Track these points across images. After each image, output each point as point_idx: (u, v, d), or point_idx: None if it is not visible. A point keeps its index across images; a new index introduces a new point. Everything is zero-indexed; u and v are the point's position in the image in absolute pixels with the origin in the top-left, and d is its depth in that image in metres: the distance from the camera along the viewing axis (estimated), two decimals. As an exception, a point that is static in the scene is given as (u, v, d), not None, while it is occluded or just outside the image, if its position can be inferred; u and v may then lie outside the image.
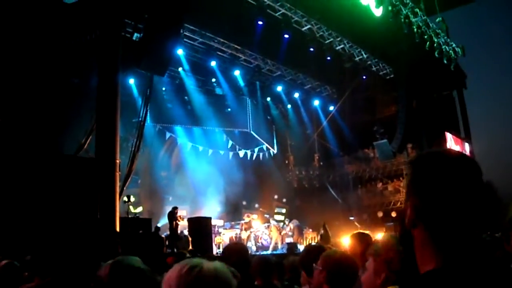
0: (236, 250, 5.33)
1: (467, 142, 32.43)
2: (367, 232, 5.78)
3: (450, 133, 30.72)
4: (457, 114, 33.16)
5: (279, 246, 23.11)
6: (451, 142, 30.30)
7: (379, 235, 19.76)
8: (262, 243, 23.51)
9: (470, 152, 32.41)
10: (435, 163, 1.62)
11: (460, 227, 1.53)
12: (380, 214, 31.21)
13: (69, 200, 13.91)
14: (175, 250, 16.95)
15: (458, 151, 1.69)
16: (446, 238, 1.53)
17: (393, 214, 30.40)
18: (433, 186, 1.56)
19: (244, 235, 23.17)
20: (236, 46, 26.82)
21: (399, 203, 31.09)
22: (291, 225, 25.21)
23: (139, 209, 23.67)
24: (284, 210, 30.70)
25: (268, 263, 5.13)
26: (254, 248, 22.51)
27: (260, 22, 23.58)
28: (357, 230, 22.34)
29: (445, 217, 1.53)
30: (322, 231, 23.90)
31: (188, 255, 7.78)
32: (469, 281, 1.42)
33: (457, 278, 1.43)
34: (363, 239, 5.11)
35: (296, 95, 33.37)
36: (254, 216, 26.20)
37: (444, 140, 29.65)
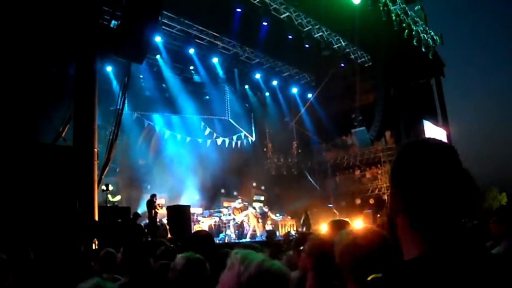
0: (202, 237, 5.32)
1: (444, 129, 32.68)
2: (346, 219, 5.77)
3: (428, 120, 30.93)
4: (435, 102, 33.38)
5: (258, 233, 23.17)
6: (429, 129, 30.51)
7: (357, 222, 19.91)
8: (241, 231, 23.52)
9: (447, 139, 32.69)
10: (414, 152, 1.66)
11: (442, 214, 1.55)
12: (358, 201, 31.43)
13: (47, 189, 13.80)
14: (154, 238, 16.91)
15: (438, 140, 1.71)
16: (428, 225, 1.54)
17: (371, 201, 30.64)
18: (413, 175, 1.59)
19: (238, 218, 23.21)
20: (214, 33, 26.74)
21: (377, 190, 31.34)
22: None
23: (118, 197, 23.58)
24: (262, 198, 30.78)
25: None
26: (233, 236, 22.53)
27: (238, 10, 23.53)
28: (335, 217, 22.56)
29: (426, 205, 1.55)
30: (303, 218, 24.01)
31: (168, 243, 7.73)
32: (454, 266, 1.44)
33: (442, 264, 1.45)
34: (340, 227, 5.12)
35: (275, 82, 33.36)
36: (233, 204, 26.23)
37: (421, 127, 29.85)
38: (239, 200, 24.39)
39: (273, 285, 1.90)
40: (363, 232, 2.90)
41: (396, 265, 1.56)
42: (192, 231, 20.66)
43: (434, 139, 1.71)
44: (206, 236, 5.40)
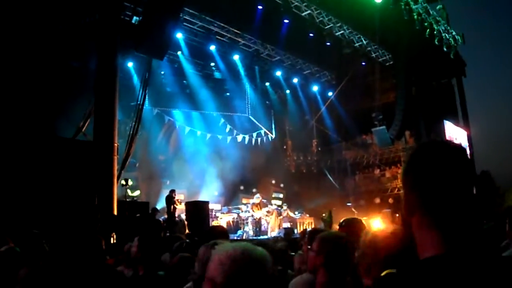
0: (218, 232, 5.36)
1: (465, 129, 32.44)
2: (361, 218, 5.79)
3: (449, 120, 30.72)
4: (456, 102, 33.10)
5: (276, 230, 23.15)
6: (450, 130, 30.31)
7: (376, 221, 19.85)
8: (259, 228, 23.52)
9: (468, 139, 32.46)
10: (430, 153, 1.68)
11: (458, 215, 1.58)
12: (377, 200, 31.29)
13: (67, 184, 13.94)
14: (172, 233, 17.00)
15: (451, 141, 1.75)
16: (445, 226, 1.57)
17: (390, 201, 30.50)
18: (431, 175, 1.62)
19: (257, 215, 23.21)
20: (235, 30, 26.71)
21: (396, 190, 31.17)
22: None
23: (137, 192, 23.73)
24: (281, 195, 30.78)
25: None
26: (251, 233, 22.54)
27: (260, 7, 23.52)
28: (352, 216, 22.48)
29: (444, 205, 1.58)
30: (325, 216, 23.93)
31: (185, 239, 7.79)
32: (471, 266, 1.46)
33: (456, 265, 1.47)
34: (354, 225, 5.14)
35: (295, 80, 33.30)
36: (251, 200, 26.28)
37: (442, 127, 29.66)
38: (258, 195, 24.38)
39: (255, 269, 1.94)
40: (388, 230, 2.91)
41: (411, 263, 1.58)
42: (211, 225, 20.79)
43: (447, 141, 1.75)
44: (222, 232, 5.45)
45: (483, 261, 1.49)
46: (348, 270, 3.61)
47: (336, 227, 20.85)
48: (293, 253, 6.40)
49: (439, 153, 1.66)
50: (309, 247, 3.81)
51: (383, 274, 1.80)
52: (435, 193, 1.60)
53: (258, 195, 24.36)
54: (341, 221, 5.25)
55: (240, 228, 22.88)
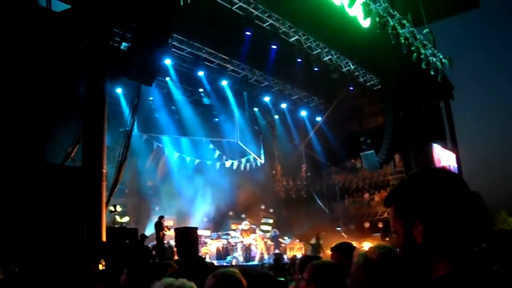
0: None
1: (453, 152, 32.59)
2: (350, 242, 5.80)
3: (437, 143, 30.85)
4: (444, 125, 33.28)
5: (266, 256, 23.06)
6: (438, 153, 30.44)
7: (365, 245, 19.79)
8: (249, 254, 23.44)
9: (457, 162, 32.59)
10: (430, 185, 1.79)
11: (463, 239, 1.72)
12: (367, 224, 31.27)
13: (55, 210, 13.84)
14: (161, 260, 16.88)
15: (443, 168, 1.85)
16: (456, 250, 1.71)
17: (380, 225, 30.49)
18: (433, 209, 1.74)
19: (246, 241, 23.17)
20: (224, 56, 26.81)
21: (386, 214, 31.14)
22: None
23: (126, 218, 23.59)
24: (271, 221, 30.69)
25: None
26: (241, 259, 22.45)
27: (248, 33, 23.60)
28: (341, 241, 22.43)
29: (451, 235, 1.72)
30: (313, 241, 23.89)
31: (174, 265, 7.72)
32: (481, 280, 1.61)
33: (471, 278, 1.62)
34: (345, 250, 5.16)
35: (284, 105, 33.39)
36: (240, 226, 26.22)
37: (431, 150, 29.79)
38: (246, 222, 24.34)
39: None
40: (374, 250, 2.90)
41: (425, 282, 1.73)
42: (200, 253, 20.71)
43: (443, 168, 1.83)
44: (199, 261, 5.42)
45: (488, 276, 1.64)
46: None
47: (326, 252, 20.88)
48: (282, 279, 6.35)
49: (440, 183, 1.78)
50: (300, 276, 3.80)
51: None
52: (439, 226, 1.73)
53: (246, 221, 24.40)
54: (334, 245, 5.28)
55: (229, 254, 22.76)
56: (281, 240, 25.48)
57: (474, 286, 1.58)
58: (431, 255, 1.75)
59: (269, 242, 24.43)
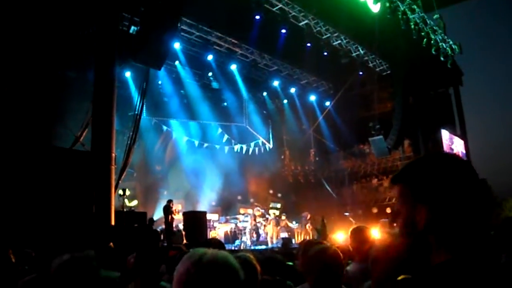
0: (214, 244, 5.35)
1: (462, 139, 32.46)
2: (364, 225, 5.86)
3: (446, 129, 30.72)
4: (453, 111, 33.11)
5: (274, 240, 23.12)
6: (447, 139, 30.32)
7: (373, 231, 19.83)
8: (257, 238, 23.50)
9: (465, 148, 32.47)
10: (438, 169, 1.75)
11: (468, 227, 1.68)
12: (375, 210, 31.24)
13: (64, 194, 13.90)
14: (170, 244, 16.96)
15: (454, 154, 1.80)
16: (458, 238, 1.67)
17: (388, 210, 30.44)
18: (441, 194, 1.69)
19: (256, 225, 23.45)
20: (233, 40, 26.75)
21: (394, 199, 31.12)
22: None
23: (134, 202, 23.67)
24: (279, 205, 30.74)
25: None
26: (249, 243, 22.51)
27: (257, 17, 23.53)
28: (351, 226, 22.46)
29: (455, 222, 1.67)
30: (319, 226, 23.94)
31: (184, 249, 7.77)
32: (480, 269, 1.58)
33: (468, 266, 1.59)
34: (360, 233, 5.23)
35: (293, 90, 33.35)
36: (249, 210, 26.25)
37: (439, 136, 29.67)
38: (258, 208, 24.45)
39: (220, 271, 1.93)
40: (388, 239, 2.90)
41: (424, 269, 1.70)
42: (208, 237, 20.74)
43: (451, 154, 1.83)
44: (218, 244, 5.44)
45: (488, 264, 1.61)
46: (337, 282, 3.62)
47: (332, 236, 20.91)
48: (291, 263, 6.37)
49: (441, 171, 1.73)
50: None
51: (399, 278, 1.86)
52: (444, 212, 1.68)
53: (258, 207, 24.42)
54: (351, 228, 5.37)
55: (238, 238, 22.84)
56: (289, 224, 25.50)
57: (471, 276, 1.56)
58: (431, 242, 1.72)
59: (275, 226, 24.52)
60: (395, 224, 23.18)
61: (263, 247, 21.69)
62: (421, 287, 1.64)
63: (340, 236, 22.55)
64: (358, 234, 5.28)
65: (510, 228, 5.04)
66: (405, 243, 1.88)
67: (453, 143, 30.83)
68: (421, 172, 1.78)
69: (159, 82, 26.65)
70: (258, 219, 23.88)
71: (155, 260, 5.00)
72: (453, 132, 31.95)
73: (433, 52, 25.80)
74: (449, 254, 1.65)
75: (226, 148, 30.37)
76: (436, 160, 1.80)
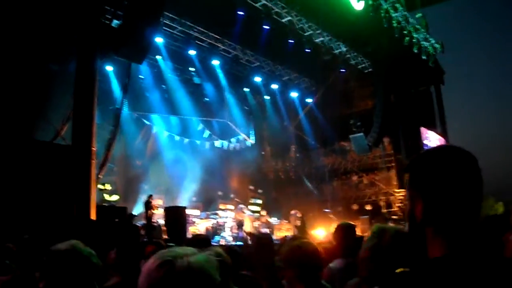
0: (200, 241, 5.34)
1: (443, 137, 32.68)
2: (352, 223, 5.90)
3: (427, 128, 30.92)
4: (434, 110, 33.34)
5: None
6: (427, 137, 30.51)
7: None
8: (237, 234, 23.52)
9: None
10: (435, 162, 1.75)
11: (465, 219, 1.69)
12: (355, 207, 31.38)
13: (44, 188, 13.81)
14: (150, 239, 16.91)
15: (458, 147, 1.79)
16: (452, 231, 1.67)
17: (368, 207, 30.63)
18: (442, 184, 1.70)
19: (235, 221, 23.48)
20: (215, 35, 26.69)
21: (373, 197, 31.37)
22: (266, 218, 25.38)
23: (115, 197, 23.55)
24: (259, 201, 30.74)
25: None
26: (229, 239, 22.51)
27: (240, 13, 23.49)
28: (332, 222, 22.56)
29: (452, 213, 1.68)
30: (298, 223, 23.98)
31: (164, 244, 7.74)
32: (475, 265, 1.58)
33: (464, 262, 1.59)
34: (349, 230, 5.27)
35: (274, 86, 33.33)
36: (230, 206, 26.25)
37: (420, 134, 29.85)
38: (241, 206, 24.47)
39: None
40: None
41: (422, 262, 1.71)
42: (188, 233, 20.72)
43: (455, 147, 1.80)
44: (204, 240, 5.43)
45: (483, 262, 1.60)
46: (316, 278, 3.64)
47: (309, 232, 21.00)
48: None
49: (449, 160, 1.73)
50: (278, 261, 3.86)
51: (397, 271, 1.87)
52: (448, 202, 1.68)
53: (241, 205, 24.49)
54: (336, 224, 5.40)
55: (218, 234, 22.81)
56: (270, 220, 25.56)
57: (468, 272, 1.56)
58: (429, 234, 1.72)
59: (257, 222, 24.52)
60: (374, 221, 23.40)
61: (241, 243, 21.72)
62: (419, 281, 1.63)
63: (320, 233, 22.69)
64: (344, 231, 5.30)
65: (491, 227, 5.09)
66: (408, 235, 1.91)
67: (433, 141, 31.02)
68: (420, 161, 1.79)
69: (141, 77, 26.49)
70: (237, 216, 23.93)
71: (136, 255, 4.98)
72: (433, 130, 32.16)
73: (415, 51, 25.97)
74: (444, 247, 1.66)
75: (207, 144, 30.30)
76: (438, 151, 1.82)
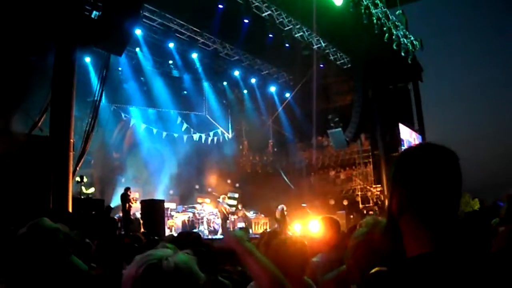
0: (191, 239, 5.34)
1: (420, 133, 32.93)
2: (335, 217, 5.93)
3: (404, 124, 31.12)
4: (412, 106, 33.58)
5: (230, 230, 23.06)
6: (405, 133, 30.72)
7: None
8: (214, 227, 23.51)
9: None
10: (422, 154, 1.77)
11: (446, 213, 1.68)
12: (332, 201, 31.50)
13: (21, 179, 13.69)
14: (127, 232, 16.84)
15: (440, 145, 1.79)
16: (434, 223, 1.66)
17: (345, 202, 30.80)
18: (419, 176, 1.70)
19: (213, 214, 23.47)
20: (195, 28, 26.63)
21: (350, 192, 31.54)
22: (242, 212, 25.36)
23: (92, 189, 23.39)
24: (236, 195, 30.72)
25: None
26: (206, 232, 22.50)
27: (220, 6, 23.46)
28: (308, 216, 22.60)
29: (431, 203, 1.67)
30: (279, 217, 23.89)
31: (141, 237, 7.71)
32: (458, 263, 1.56)
33: (449, 260, 1.56)
34: (333, 224, 5.29)
35: (253, 80, 33.38)
36: (207, 200, 26.24)
37: (397, 131, 30.02)
38: (220, 199, 24.39)
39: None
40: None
41: (401, 261, 1.66)
42: (166, 226, 20.67)
43: (437, 144, 1.80)
44: (195, 239, 5.44)
45: (469, 258, 1.59)
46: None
47: (288, 226, 20.96)
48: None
49: (429, 155, 1.74)
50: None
51: (373, 271, 1.84)
52: (425, 193, 1.68)
53: (221, 198, 24.42)
54: (320, 218, 5.42)
55: (195, 228, 22.76)
56: (247, 214, 25.57)
57: (462, 269, 1.54)
58: (410, 227, 1.69)
59: (233, 216, 24.52)
60: (351, 216, 23.49)
61: (221, 236, 21.70)
62: (398, 281, 1.59)
63: (297, 227, 22.73)
64: (329, 224, 5.33)
65: (471, 223, 5.15)
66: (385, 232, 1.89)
67: (410, 138, 31.24)
68: (406, 157, 1.81)
69: (119, 69, 26.33)
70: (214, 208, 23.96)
71: (116, 248, 4.96)
72: (411, 127, 32.40)
73: (394, 47, 26.09)
74: (428, 239, 1.63)
75: (185, 137, 30.22)
76: (423, 147, 1.82)
